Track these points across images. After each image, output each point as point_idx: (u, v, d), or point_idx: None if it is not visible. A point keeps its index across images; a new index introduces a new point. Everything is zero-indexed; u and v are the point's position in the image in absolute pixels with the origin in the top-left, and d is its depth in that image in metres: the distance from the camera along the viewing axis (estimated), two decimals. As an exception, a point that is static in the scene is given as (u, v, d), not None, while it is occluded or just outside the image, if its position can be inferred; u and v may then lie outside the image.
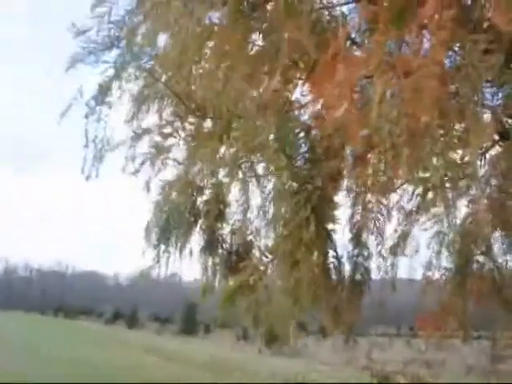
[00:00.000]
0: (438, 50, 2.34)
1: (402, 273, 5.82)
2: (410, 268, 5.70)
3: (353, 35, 3.41)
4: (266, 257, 4.09)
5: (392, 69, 2.57)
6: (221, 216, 4.72)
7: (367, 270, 4.42)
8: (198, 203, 4.74)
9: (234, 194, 4.67)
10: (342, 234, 4.26)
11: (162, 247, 4.65)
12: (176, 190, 4.66)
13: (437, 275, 5.98)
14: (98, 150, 4.18)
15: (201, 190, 4.72)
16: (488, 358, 19.66)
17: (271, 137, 3.57)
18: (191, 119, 4.31)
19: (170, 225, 4.62)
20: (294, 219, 3.45)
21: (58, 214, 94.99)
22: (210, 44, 3.31)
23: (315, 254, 3.58)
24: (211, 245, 4.74)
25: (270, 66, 3.17)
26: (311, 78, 3.41)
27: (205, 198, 4.76)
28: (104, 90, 4.01)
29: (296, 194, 3.44)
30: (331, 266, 3.98)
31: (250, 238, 4.73)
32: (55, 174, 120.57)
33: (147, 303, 49.51)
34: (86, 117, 4.00)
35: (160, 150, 4.61)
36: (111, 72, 4.08)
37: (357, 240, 4.32)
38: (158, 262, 4.74)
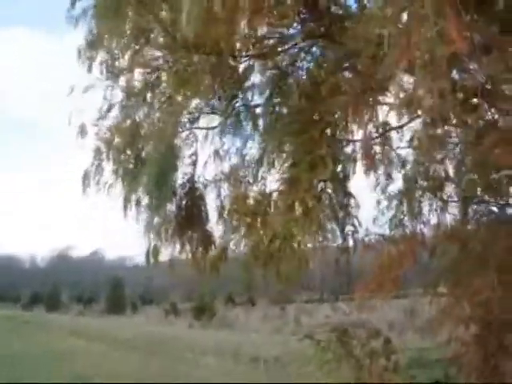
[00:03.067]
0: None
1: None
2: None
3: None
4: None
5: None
6: (170, 166, 4.33)
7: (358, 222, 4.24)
8: (145, 151, 4.33)
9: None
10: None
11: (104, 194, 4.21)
12: (119, 136, 4.21)
13: (373, 240, 6.09)
14: None
15: (147, 138, 4.30)
16: (406, 315, 21.11)
17: None
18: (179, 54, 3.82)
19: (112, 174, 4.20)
20: (303, 159, 3.18)
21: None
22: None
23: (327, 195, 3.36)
24: (158, 198, 4.34)
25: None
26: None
27: (150, 146, 4.35)
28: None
29: (306, 131, 3.13)
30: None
31: (199, 192, 4.42)
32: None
33: (68, 284, 47.30)
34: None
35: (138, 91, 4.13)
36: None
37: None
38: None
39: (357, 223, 4.29)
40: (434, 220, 6.43)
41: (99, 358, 14.46)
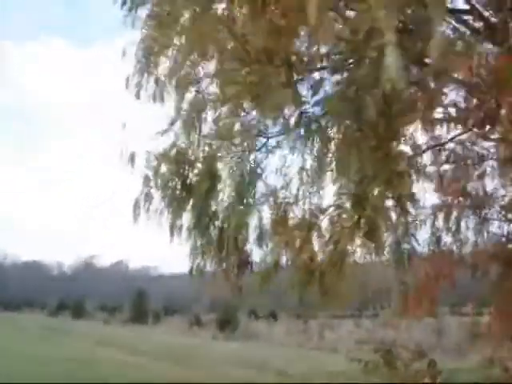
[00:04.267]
0: None
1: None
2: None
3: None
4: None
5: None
6: (213, 191, 4.45)
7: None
8: (190, 178, 4.47)
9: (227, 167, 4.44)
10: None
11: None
12: (167, 163, 4.37)
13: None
14: None
15: (192, 164, 4.45)
16: (432, 334, 20.67)
17: None
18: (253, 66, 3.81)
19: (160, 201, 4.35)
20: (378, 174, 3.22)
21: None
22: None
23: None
24: (201, 223, 4.47)
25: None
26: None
27: (196, 171, 4.49)
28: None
29: (380, 146, 3.15)
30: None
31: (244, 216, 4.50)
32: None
33: (93, 292, 47.99)
34: None
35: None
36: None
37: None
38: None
39: (413, 241, 4.34)
40: (472, 238, 6.37)
41: (125, 366, 14.63)
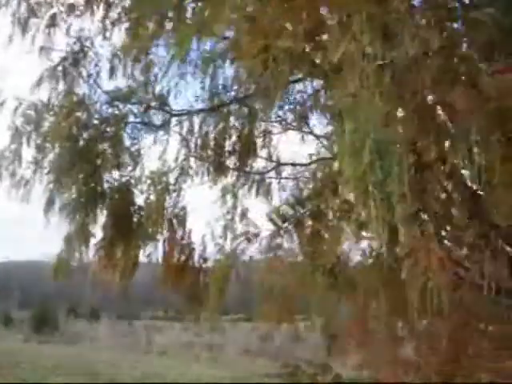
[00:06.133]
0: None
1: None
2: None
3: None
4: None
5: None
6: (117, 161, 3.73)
7: None
8: (84, 139, 3.63)
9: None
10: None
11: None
12: (54, 117, 3.48)
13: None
14: None
15: (85, 127, 3.65)
16: (258, 339, 21.75)
17: None
18: None
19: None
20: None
21: None
22: None
23: None
24: (90, 200, 3.69)
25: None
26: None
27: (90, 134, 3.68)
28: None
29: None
30: None
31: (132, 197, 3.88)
32: None
33: None
34: None
35: None
36: None
37: None
38: None
39: None
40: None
41: None
